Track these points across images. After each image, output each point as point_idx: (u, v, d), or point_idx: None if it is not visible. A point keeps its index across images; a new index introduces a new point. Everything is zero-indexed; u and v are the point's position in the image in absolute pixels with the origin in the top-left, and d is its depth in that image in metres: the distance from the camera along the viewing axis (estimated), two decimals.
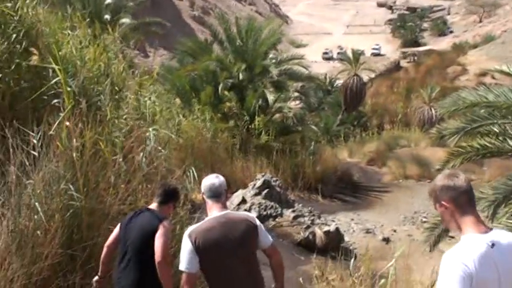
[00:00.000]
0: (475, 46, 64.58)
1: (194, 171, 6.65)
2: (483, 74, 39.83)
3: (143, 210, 4.28)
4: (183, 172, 6.99)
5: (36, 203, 4.46)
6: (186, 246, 3.52)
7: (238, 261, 3.58)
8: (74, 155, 4.80)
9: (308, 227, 10.33)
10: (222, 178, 3.87)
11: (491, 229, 2.67)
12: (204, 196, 3.80)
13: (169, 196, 4.33)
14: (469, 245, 2.59)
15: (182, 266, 3.52)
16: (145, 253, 3.97)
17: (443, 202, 2.69)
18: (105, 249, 4.29)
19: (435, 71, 50.93)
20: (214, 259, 3.49)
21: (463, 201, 2.66)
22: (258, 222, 3.76)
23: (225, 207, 3.75)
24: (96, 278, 4.33)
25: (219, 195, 3.75)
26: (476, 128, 7.85)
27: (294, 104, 19.62)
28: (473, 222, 2.66)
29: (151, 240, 3.95)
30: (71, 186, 4.65)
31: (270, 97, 15.55)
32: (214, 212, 3.69)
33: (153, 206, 4.29)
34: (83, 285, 4.44)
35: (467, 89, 8.79)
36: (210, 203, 3.75)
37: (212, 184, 3.79)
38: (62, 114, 5.13)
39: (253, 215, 4.55)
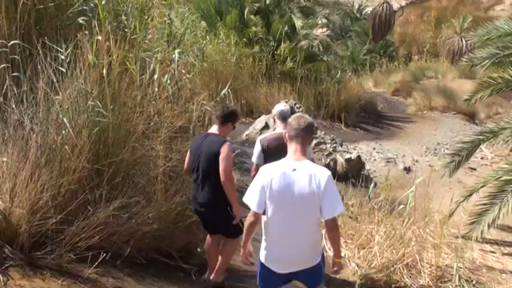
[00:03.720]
0: None
1: (230, 93, 6.75)
2: None
3: (207, 134, 4.90)
4: (212, 95, 7.03)
5: (64, 119, 4.54)
6: (258, 147, 5.17)
7: None
8: (104, 71, 4.83)
9: (330, 153, 10.40)
10: (288, 106, 5.52)
11: (305, 161, 3.56)
12: (275, 117, 5.40)
13: (228, 117, 4.90)
14: (280, 164, 3.57)
15: (253, 159, 5.20)
16: (213, 175, 4.64)
17: (286, 134, 3.72)
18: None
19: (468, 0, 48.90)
20: (274, 155, 4.12)
21: (292, 135, 3.63)
22: None
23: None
24: None
25: (285, 117, 4.93)
26: (508, 56, 7.64)
27: (321, 31, 19.19)
28: (293, 151, 3.61)
29: (216, 164, 4.60)
30: (98, 103, 4.71)
31: (297, 23, 15.22)
32: (278, 128, 5.30)
33: (214, 128, 4.90)
34: (109, 198, 4.59)
35: (502, 19, 8.49)
36: (278, 122, 5.34)
37: (282, 110, 5.34)
38: (87, 32, 5.13)
39: None
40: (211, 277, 4.97)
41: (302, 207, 3.49)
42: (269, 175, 3.51)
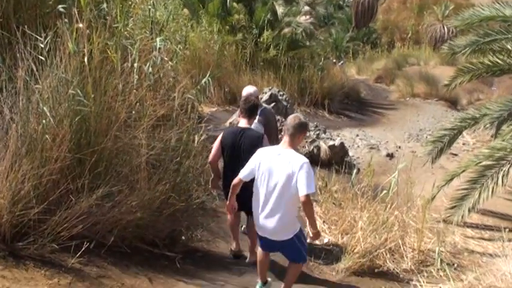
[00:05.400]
0: None
1: (213, 80, 6.71)
2: None
3: (245, 129, 5.35)
4: (195, 83, 7.00)
5: (45, 108, 4.49)
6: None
7: None
8: (86, 59, 4.77)
9: (313, 140, 10.43)
10: (256, 89, 6.16)
11: (290, 150, 4.40)
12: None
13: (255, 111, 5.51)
14: (271, 149, 4.61)
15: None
16: None
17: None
18: (212, 165, 5.52)
19: None
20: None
21: (285, 130, 4.52)
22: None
23: None
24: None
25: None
26: (489, 43, 7.71)
27: (304, 19, 19.11)
28: (283, 142, 4.51)
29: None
30: (79, 92, 4.65)
31: (280, 10, 15.17)
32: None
33: (243, 122, 5.40)
34: (92, 188, 4.56)
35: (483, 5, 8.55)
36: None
37: (250, 93, 5.92)
38: (67, 20, 5.05)
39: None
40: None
41: (280, 185, 4.34)
42: (260, 156, 4.53)
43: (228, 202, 4.86)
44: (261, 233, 4.59)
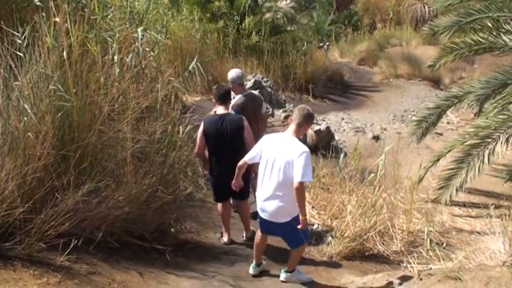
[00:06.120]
0: None
1: (199, 67, 6.67)
2: None
3: (224, 115, 5.49)
4: (178, 73, 6.92)
5: (25, 105, 4.41)
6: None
7: None
8: (65, 53, 4.68)
9: None
10: (240, 72, 6.50)
11: (293, 137, 4.64)
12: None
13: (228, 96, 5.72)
14: (276, 135, 4.83)
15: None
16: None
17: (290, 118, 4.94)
18: (200, 155, 5.66)
19: None
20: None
21: (292, 118, 4.76)
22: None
23: None
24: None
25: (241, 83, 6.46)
26: (470, 23, 7.71)
27: (285, 3, 19.00)
28: (289, 129, 4.73)
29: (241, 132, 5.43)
30: (60, 87, 4.57)
31: None
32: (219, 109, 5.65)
33: (221, 109, 5.55)
34: (78, 184, 4.50)
35: None
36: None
37: (238, 75, 6.39)
38: (44, 14, 4.95)
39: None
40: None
41: (280, 170, 4.55)
42: (265, 141, 4.80)
43: (234, 182, 5.08)
44: (262, 215, 4.80)
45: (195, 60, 6.68)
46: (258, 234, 5.05)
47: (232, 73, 6.42)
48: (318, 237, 6.15)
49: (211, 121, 5.55)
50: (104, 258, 4.60)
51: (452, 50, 8.57)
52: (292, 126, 4.71)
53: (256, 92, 6.90)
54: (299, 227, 4.57)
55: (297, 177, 4.41)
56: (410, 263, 5.16)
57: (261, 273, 5.15)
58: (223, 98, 5.58)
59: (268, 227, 4.85)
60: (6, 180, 4.11)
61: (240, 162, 4.93)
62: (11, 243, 4.05)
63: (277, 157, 4.58)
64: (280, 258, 5.34)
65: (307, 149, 4.56)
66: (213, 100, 5.78)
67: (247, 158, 4.88)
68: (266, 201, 4.69)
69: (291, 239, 4.88)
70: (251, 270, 5.14)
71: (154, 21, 9.78)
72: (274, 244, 5.46)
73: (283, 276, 5.02)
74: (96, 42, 5.35)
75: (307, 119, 4.75)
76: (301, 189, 4.45)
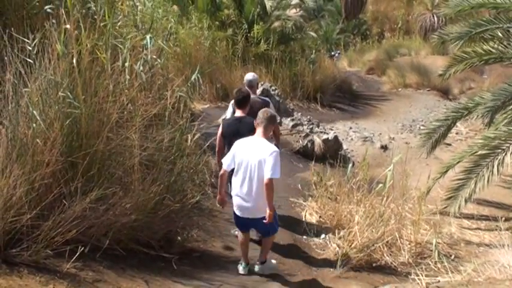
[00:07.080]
0: None
1: (200, 78, 6.78)
2: None
3: (241, 117, 5.81)
4: (186, 81, 6.94)
5: (34, 111, 4.42)
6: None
7: None
8: (74, 60, 4.69)
9: (307, 135, 10.40)
10: (256, 76, 6.81)
11: (263, 139, 5.03)
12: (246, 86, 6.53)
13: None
14: (247, 139, 5.13)
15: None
16: None
17: (255, 122, 5.23)
18: (219, 151, 5.93)
19: None
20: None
21: (258, 122, 5.11)
22: None
23: None
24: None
25: (252, 86, 6.61)
26: (480, 33, 7.68)
27: (294, 12, 19.05)
28: (257, 133, 5.10)
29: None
30: (69, 94, 4.58)
31: (269, 4, 15.09)
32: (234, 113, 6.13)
33: (239, 112, 5.87)
34: (85, 191, 4.50)
35: None
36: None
37: (250, 80, 6.60)
38: (55, 21, 4.97)
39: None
40: None
41: (254, 170, 4.92)
42: (237, 145, 5.10)
43: (218, 195, 5.33)
44: (240, 213, 5.13)
45: (196, 71, 6.73)
46: (240, 235, 5.39)
47: (246, 75, 6.84)
48: (325, 248, 6.11)
49: (229, 124, 5.94)
50: (110, 266, 4.57)
51: (463, 59, 8.55)
52: (259, 130, 5.11)
53: (266, 98, 6.93)
54: (265, 221, 4.89)
55: (267, 174, 4.80)
56: (418, 275, 5.10)
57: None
58: (240, 102, 5.87)
59: (247, 224, 5.23)
60: (14, 187, 4.10)
61: (221, 172, 5.19)
62: (18, 250, 4.03)
63: (250, 158, 4.93)
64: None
65: (277, 149, 5.03)
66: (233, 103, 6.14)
67: (225, 166, 5.12)
68: (244, 200, 5.02)
69: (267, 229, 5.25)
70: (241, 270, 5.37)
71: (163, 28, 9.82)
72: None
73: (257, 268, 5.40)
74: (106, 49, 5.38)
75: (271, 121, 5.17)
76: (270, 185, 4.82)
